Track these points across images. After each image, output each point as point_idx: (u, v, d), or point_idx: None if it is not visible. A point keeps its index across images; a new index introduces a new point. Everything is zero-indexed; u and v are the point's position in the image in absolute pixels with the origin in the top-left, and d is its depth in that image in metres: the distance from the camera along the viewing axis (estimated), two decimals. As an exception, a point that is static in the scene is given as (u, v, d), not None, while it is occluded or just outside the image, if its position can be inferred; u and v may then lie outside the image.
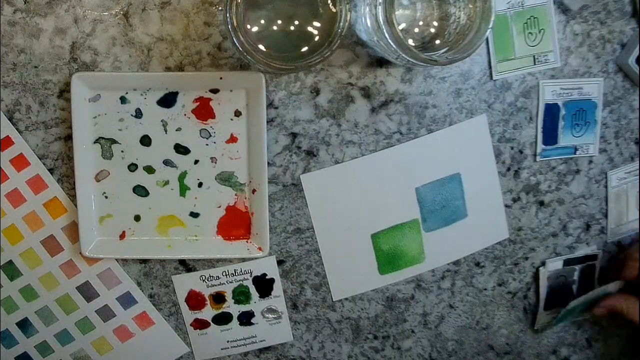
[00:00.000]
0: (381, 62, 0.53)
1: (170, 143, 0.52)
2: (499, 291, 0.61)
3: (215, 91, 0.51)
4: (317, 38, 0.45)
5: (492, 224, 0.59)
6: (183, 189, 0.53)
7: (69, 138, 0.51)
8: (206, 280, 0.56)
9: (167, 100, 0.51)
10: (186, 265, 0.55)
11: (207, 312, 0.57)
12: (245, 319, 0.57)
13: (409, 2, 0.48)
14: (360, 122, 0.54)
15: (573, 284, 0.63)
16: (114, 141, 0.52)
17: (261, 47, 0.44)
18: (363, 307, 0.59)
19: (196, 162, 0.53)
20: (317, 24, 0.45)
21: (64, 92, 0.50)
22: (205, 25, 0.50)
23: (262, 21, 0.45)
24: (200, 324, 0.57)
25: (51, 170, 0.52)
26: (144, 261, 0.55)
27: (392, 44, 0.43)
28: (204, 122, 0.52)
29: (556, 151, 0.58)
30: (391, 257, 0.57)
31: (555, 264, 0.61)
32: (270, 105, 0.52)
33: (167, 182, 0.53)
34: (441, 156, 0.56)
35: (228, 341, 0.58)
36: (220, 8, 0.49)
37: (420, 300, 0.60)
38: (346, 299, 0.58)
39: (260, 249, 0.54)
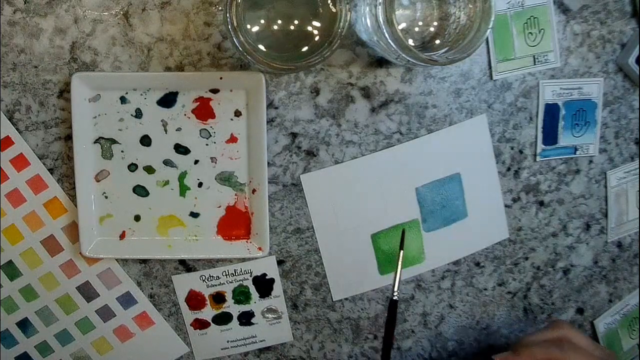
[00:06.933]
0: (381, 62, 0.52)
1: (170, 143, 0.52)
2: (499, 291, 0.61)
3: (215, 91, 0.51)
4: (317, 38, 0.45)
5: (492, 224, 0.59)
6: (183, 189, 0.53)
7: (69, 138, 0.51)
8: (206, 280, 0.56)
9: (167, 100, 0.51)
10: (186, 265, 0.55)
11: (207, 312, 0.57)
12: (245, 319, 0.57)
13: (409, 2, 0.48)
14: (360, 122, 0.54)
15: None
16: (114, 141, 0.52)
17: (261, 47, 0.44)
18: (363, 307, 0.59)
19: (196, 162, 0.52)
20: (317, 24, 0.45)
21: (64, 92, 0.50)
22: (205, 25, 0.50)
23: (262, 21, 0.45)
24: (200, 324, 0.57)
25: (51, 170, 0.52)
26: (144, 261, 0.55)
27: (392, 44, 0.43)
28: (204, 122, 0.52)
29: (556, 151, 0.58)
30: (391, 257, 0.57)
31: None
32: (270, 105, 0.52)
33: (167, 182, 0.53)
34: (441, 156, 0.56)
35: (228, 341, 0.58)
36: (220, 8, 0.49)
37: (420, 300, 0.60)
38: (346, 299, 0.58)
39: (260, 249, 0.54)
